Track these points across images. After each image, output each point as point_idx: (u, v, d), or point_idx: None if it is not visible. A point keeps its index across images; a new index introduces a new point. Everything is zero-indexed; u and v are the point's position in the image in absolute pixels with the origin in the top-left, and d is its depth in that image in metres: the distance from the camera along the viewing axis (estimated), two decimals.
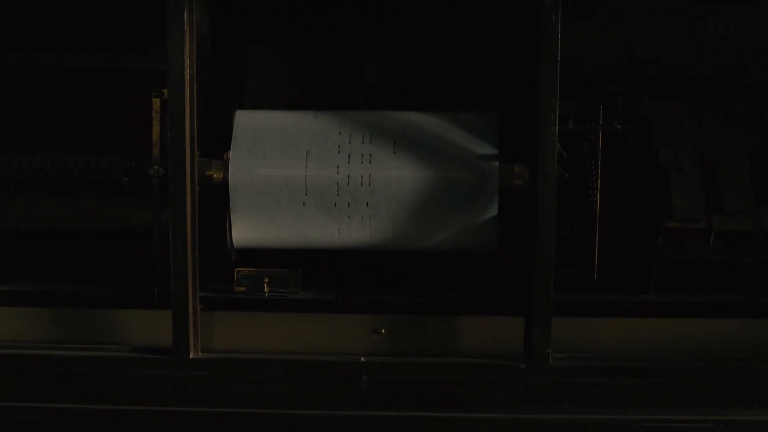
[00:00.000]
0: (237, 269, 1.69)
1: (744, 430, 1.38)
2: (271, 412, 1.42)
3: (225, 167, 1.62)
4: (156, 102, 1.64)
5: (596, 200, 1.66)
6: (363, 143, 1.62)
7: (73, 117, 1.89)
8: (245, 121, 1.67)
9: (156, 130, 1.65)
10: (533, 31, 1.52)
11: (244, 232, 1.65)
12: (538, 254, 1.55)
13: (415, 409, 1.40)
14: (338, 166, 1.58)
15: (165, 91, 1.61)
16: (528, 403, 1.45)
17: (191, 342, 1.60)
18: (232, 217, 1.64)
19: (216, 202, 1.65)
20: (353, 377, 1.55)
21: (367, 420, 1.39)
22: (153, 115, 1.65)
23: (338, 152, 1.60)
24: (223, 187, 1.63)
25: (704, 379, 1.55)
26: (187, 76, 1.55)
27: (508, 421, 1.41)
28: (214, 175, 1.62)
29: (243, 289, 1.69)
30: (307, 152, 1.62)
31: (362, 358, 1.62)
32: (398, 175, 1.60)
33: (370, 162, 1.62)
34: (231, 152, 1.63)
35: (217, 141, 1.66)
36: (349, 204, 1.60)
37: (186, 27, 1.52)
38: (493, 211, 1.60)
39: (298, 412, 1.39)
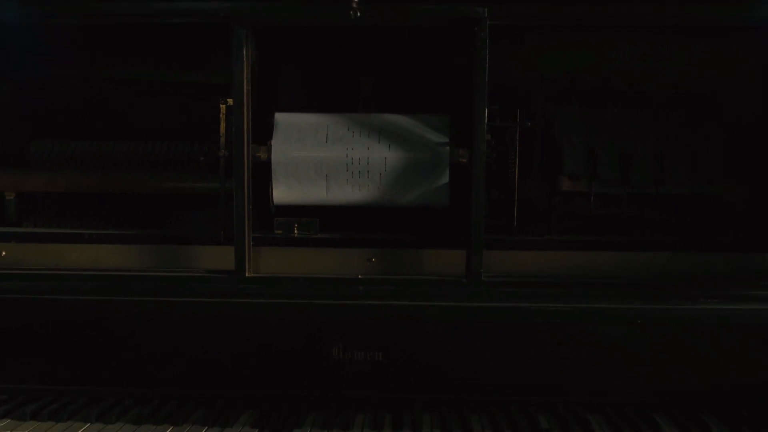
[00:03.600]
0: (276, 218, 2.32)
1: (602, 313, 2.11)
2: (301, 301, 2.14)
3: (269, 150, 2.26)
4: (223, 107, 2.27)
5: (515, 173, 2.29)
6: (361, 135, 2.26)
7: (161, 116, 2.51)
8: (282, 119, 2.31)
9: (223, 125, 2.27)
10: (471, 63, 2.15)
11: (281, 194, 2.29)
12: (473, 208, 2.18)
13: (393, 298, 2.15)
14: (347, 150, 2.23)
15: (229, 100, 2.23)
16: (466, 299, 2.15)
17: (246, 266, 2.23)
18: (273, 184, 2.27)
19: (263, 174, 2.28)
20: (353, 287, 2.18)
21: (363, 306, 2.11)
22: (221, 116, 2.27)
23: (346, 141, 2.24)
24: (268, 164, 2.26)
25: (584, 288, 2.18)
26: (245, 90, 2.18)
27: (454, 307, 2.13)
28: (262, 156, 2.26)
29: (280, 231, 2.32)
30: (324, 141, 2.26)
31: (360, 276, 2.25)
32: (384, 156, 2.25)
33: (368, 148, 2.25)
34: (273, 140, 2.27)
35: (263, 133, 2.29)
36: (352, 175, 2.24)
37: (245, 59, 2.16)
38: (445, 179, 2.25)
39: (319, 301, 2.13)
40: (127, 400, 2.12)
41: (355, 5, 2.05)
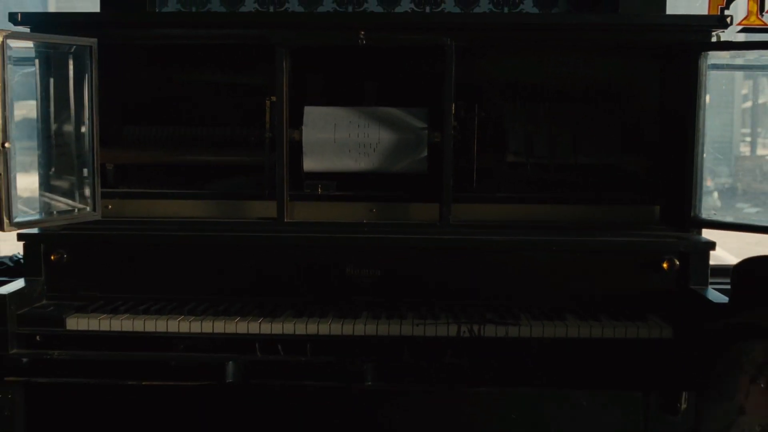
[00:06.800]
0: (305, 181, 3.13)
1: (532, 243, 2.95)
2: (323, 236, 3.04)
3: (300, 133, 3.08)
4: (268, 102, 3.07)
5: (474, 149, 3.12)
6: (365, 122, 3.08)
7: (220, 108, 3.32)
8: (309, 111, 3.12)
9: (268, 115, 3.07)
10: (442, 72, 2.98)
11: (309, 164, 3.10)
12: (444, 174, 3.01)
13: (388, 234, 3.08)
14: (355, 132, 3.08)
15: (273, 97, 3.04)
16: (439, 235, 3.01)
17: (285, 215, 3.05)
18: (304, 156, 3.08)
19: (296, 150, 3.09)
20: (360, 228, 3.03)
21: (367, 240, 2.98)
22: (266, 109, 3.08)
23: (354, 126, 3.07)
24: (299, 143, 3.08)
25: (520, 228, 3.07)
26: (284, 91, 3.02)
27: (430, 239, 2.98)
28: (295, 137, 3.06)
29: (308, 190, 3.13)
30: (340, 126, 3.08)
31: (364, 221, 3.10)
32: (381, 137, 3.09)
33: (370, 131, 3.08)
34: (303, 126, 3.09)
35: (296, 120, 3.11)
36: (359, 150, 3.08)
37: (284, 69, 3.01)
38: (424, 153, 3.08)
39: (336, 236, 3.05)
40: (204, 303, 3.03)
41: (362, 35, 2.99)
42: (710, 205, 4.31)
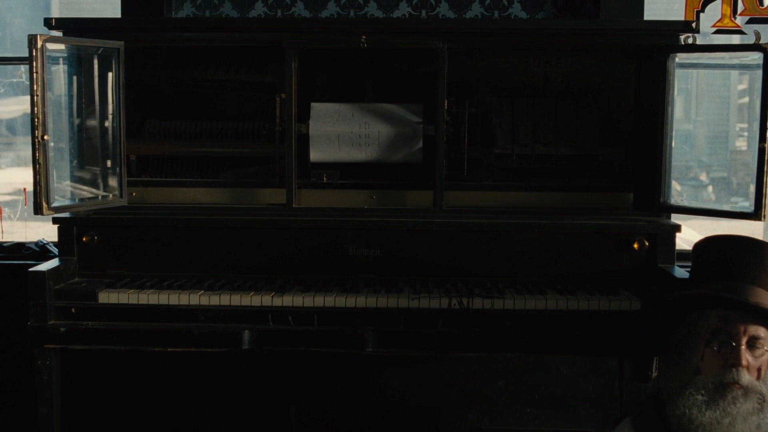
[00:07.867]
0: (312, 170, 3.43)
1: (516, 225, 3.26)
2: (328, 219, 3.35)
3: (307, 127, 3.37)
4: (278, 99, 3.37)
5: (465, 141, 3.41)
6: (366, 117, 3.37)
7: (234, 103, 3.62)
8: (316, 107, 3.41)
9: (278, 110, 3.36)
10: (435, 71, 3.28)
11: (315, 154, 3.39)
12: (438, 164, 3.32)
13: (387, 218, 3.41)
14: (357, 126, 3.37)
15: (282, 94, 3.35)
16: (432, 219, 3.33)
17: (294, 201, 3.36)
18: (310, 148, 3.37)
19: (303, 142, 3.39)
20: (361, 212, 3.35)
21: (368, 222, 3.30)
22: (277, 104, 3.38)
23: (356, 120, 3.36)
24: (306, 135, 3.37)
25: (506, 212, 3.39)
26: (293, 88, 3.32)
27: (425, 222, 3.28)
28: (303, 130, 3.36)
29: (314, 179, 3.42)
30: (343, 120, 3.37)
31: (365, 206, 3.41)
32: (380, 130, 3.38)
33: (370, 125, 3.37)
34: (310, 120, 3.38)
35: (303, 115, 3.40)
36: (360, 142, 3.37)
37: (293, 69, 3.32)
38: (420, 145, 3.37)
39: (342, 219, 3.36)
40: (221, 280, 3.35)
41: (363, 39, 3.32)
42: (705, 198, 4.64)
